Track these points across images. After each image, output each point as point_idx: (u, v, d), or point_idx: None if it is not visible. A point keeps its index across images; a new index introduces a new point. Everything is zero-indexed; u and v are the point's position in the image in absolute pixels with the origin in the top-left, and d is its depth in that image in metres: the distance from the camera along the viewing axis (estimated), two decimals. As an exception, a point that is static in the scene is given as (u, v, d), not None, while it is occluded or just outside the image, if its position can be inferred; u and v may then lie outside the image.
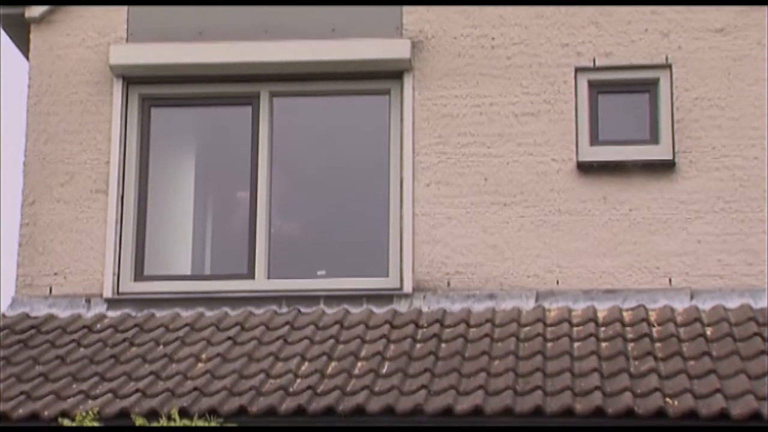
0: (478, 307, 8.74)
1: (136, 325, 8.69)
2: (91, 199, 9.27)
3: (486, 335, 8.13)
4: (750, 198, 8.79)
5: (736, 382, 7.22)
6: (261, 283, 9.09)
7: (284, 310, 8.86)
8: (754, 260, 8.68)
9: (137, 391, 7.46)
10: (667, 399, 7.04)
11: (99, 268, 9.13)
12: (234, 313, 8.83)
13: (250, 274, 9.12)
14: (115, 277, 9.13)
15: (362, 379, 7.51)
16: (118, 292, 9.11)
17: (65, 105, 9.42)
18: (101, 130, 9.37)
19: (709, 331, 8.07)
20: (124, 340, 8.42)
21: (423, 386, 7.32)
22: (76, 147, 9.37)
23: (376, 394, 7.28)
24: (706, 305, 8.53)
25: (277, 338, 8.29)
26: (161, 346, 8.28)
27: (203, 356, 8.04)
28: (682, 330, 8.10)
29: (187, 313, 8.88)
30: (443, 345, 8.04)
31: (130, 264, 9.19)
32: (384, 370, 7.66)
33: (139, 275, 9.21)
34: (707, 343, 7.84)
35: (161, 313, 8.90)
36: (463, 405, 7.09)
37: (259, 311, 8.85)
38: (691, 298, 8.63)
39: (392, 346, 8.05)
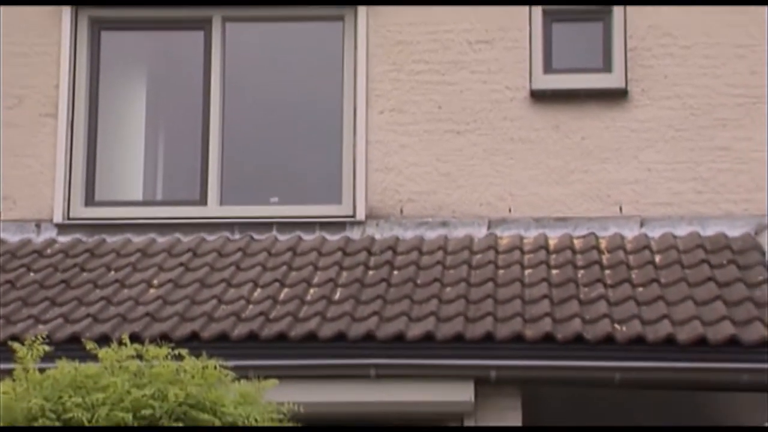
0: (431, 234, 8.77)
1: (87, 251, 8.65)
2: (41, 123, 9.16)
3: (438, 262, 8.17)
4: (700, 126, 8.85)
5: (683, 308, 7.33)
6: (213, 209, 9.07)
7: (237, 236, 8.85)
8: (704, 188, 8.77)
9: (88, 316, 7.45)
10: (616, 325, 7.14)
11: (49, 193, 9.05)
12: (186, 240, 8.81)
13: (203, 201, 9.09)
14: (66, 202, 9.06)
15: (314, 305, 7.54)
16: (68, 218, 9.05)
17: (13, 27, 9.26)
18: (50, 53, 9.22)
19: (657, 258, 8.17)
20: (75, 265, 8.38)
21: (375, 312, 7.37)
22: (24, 70, 9.22)
23: (328, 321, 7.32)
24: (655, 233, 8.62)
25: (230, 265, 8.29)
26: (112, 272, 8.25)
27: (155, 282, 8.02)
28: (631, 257, 8.19)
29: (138, 239, 8.84)
30: (395, 272, 8.08)
31: (81, 189, 9.12)
32: (336, 297, 7.69)
33: (89, 200, 9.14)
34: (656, 270, 7.94)
35: (112, 239, 8.86)
36: (415, 331, 7.15)
37: (211, 238, 8.83)
38: (641, 225, 8.71)
39: (345, 273, 8.08)
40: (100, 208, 9.12)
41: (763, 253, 8.18)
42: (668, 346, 6.96)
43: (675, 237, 8.51)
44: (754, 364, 6.88)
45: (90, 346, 4.94)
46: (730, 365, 6.90)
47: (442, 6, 9.06)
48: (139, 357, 4.79)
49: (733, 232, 8.53)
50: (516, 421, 7.11)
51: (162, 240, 8.83)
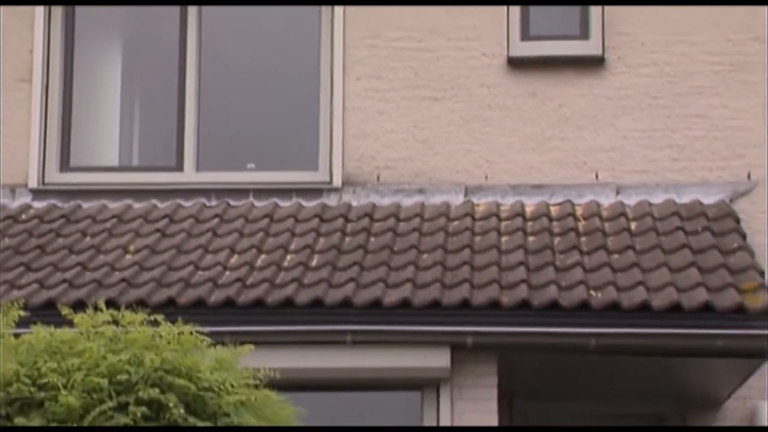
0: (408, 201, 8.78)
1: (62, 216, 8.62)
2: (15, 89, 9.08)
3: (415, 229, 8.18)
4: (676, 94, 8.87)
5: (657, 275, 7.37)
6: (190, 175, 9.04)
7: (213, 203, 8.83)
8: (679, 156, 8.80)
9: (64, 281, 7.43)
10: (591, 291, 7.17)
11: (24, 159, 8.99)
12: (162, 206, 8.78)
13: (179, 167, 9.06)
14: (41, 168, 9.01)
15: (291, 271, 7.54)
16: (43, 183, 9.01)
17: (-13, -9, 9.17)
18: (24, 17, 9.14)
19: (633, 225, 8.20)
20: (50, 230, 8.35)
21: (351, 279, 7.38)
22: (-2, 35, 9.15)
23: (305, 287, 7.32)
24: (631, 200, 8.64)
25: (206, 231, 8.27)
26: (88, 238, 8.22)
27: (131, 248, 8.01)
28: (607, 224, 8.22)
29: (114, 205, 8.81)
30: (372, 239, 8.08)
31: (56, 154, 9.08)
32: (313, 263, 7.69)
33: (65, 166, 9.10)
34: (631, 237, 7.97)
35: (88, 205, 8.82)
36: (391, 297, 7.16)
37: (187, 204, 8.81)
38: (617, 193, 8.74)
39: (321, 240, 8.08)
40: (75, 173, 9.08)
41: (738, 220, 8.23)
42: (643, 312, 7.01)
43: (650, 204, 8.54)
44: (727, 330, 6.94)
45: (65, 311, 4.92)
46: (704, 331, 6.95)
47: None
48: (115, 323, 4.77)
49: (708, 199, 8.57)
50: (492, 386, 7.15)
51: (138, 206, 8.80)
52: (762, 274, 7.37)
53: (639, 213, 8.39)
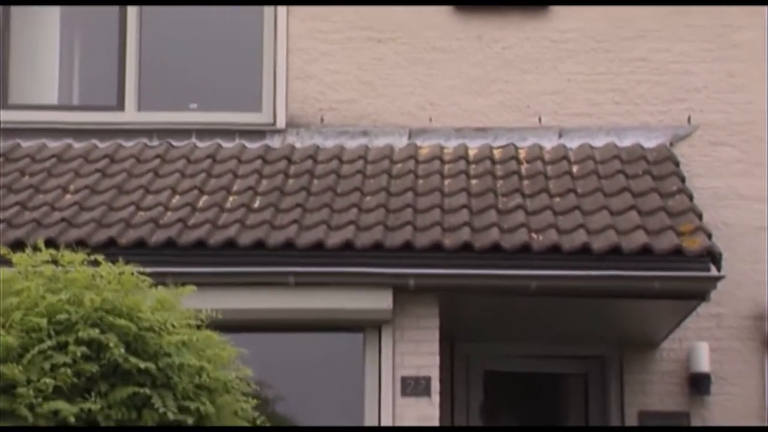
0: (351, 143, 8.75)
1: (0, 155, 8.49)
2: (-49, 25, 8.91)
3: (358, 171, 8.17)
4: (621, 38, 8.89)
5: (598, 218, 7.44)
6: (131, 115, 8.94)
7: (155, 143, 8.75)
8: (621, 99, 8.85)
9: (2, 221, 7.34)
10: (533, 234, 7.22)
11: (-39, 96, 8.85)
12: (103, 146, 8.69)
13: (120, 106, 8.95)
14: (-22, 106, 8.87)
15: (234, 213, 7.51)
16: (-19, 122, 8.88)
17: None
18: (-40, -49, 8.94)
19: (575, 168, 8.25)
20: (-12, 170, 8.25)
21: (294, 221, 7.36)
22: (-67, -31, 8.94)
23: (248, 228, 7.30)
24: (573, 143, 8.69)
25: (148, 171, 8.20)
26: (27, 177, 8.12)
27: (71, 188, 7.92)
28: (549, 168, 8.27)
29: (54, 144, 8.70)
30: (315, 181, 8.06)
31: (-6, 92, 8.93)
32: (256, 205, 7.66)
33: (3, 103, 8.95)
34: (572, 180, 8.03)
35: (27, 144, 8.71)
36: (334, 239, 7.17)
37: (128, 144, 8.72)
38: (560, 136, 8.78)
39: (264, 181, 8.05)
40: (14, 111, 8.93)
41: (677, 164, 8.31)
42: (583, 254, 7.08)
43: (592, 148, 8.59)
44: (665, 272, 7.04)
45: (3, 251, 4.87)
46: (642, 273, 7.04)
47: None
48: (55, 262, 4.73)
49: (649, 142, 8.64)
50: (433, 328, 7.20)
51: (78, 145, 8.69)
52: (700, 217, 7.47)
53: (581, 156, 8.44)
